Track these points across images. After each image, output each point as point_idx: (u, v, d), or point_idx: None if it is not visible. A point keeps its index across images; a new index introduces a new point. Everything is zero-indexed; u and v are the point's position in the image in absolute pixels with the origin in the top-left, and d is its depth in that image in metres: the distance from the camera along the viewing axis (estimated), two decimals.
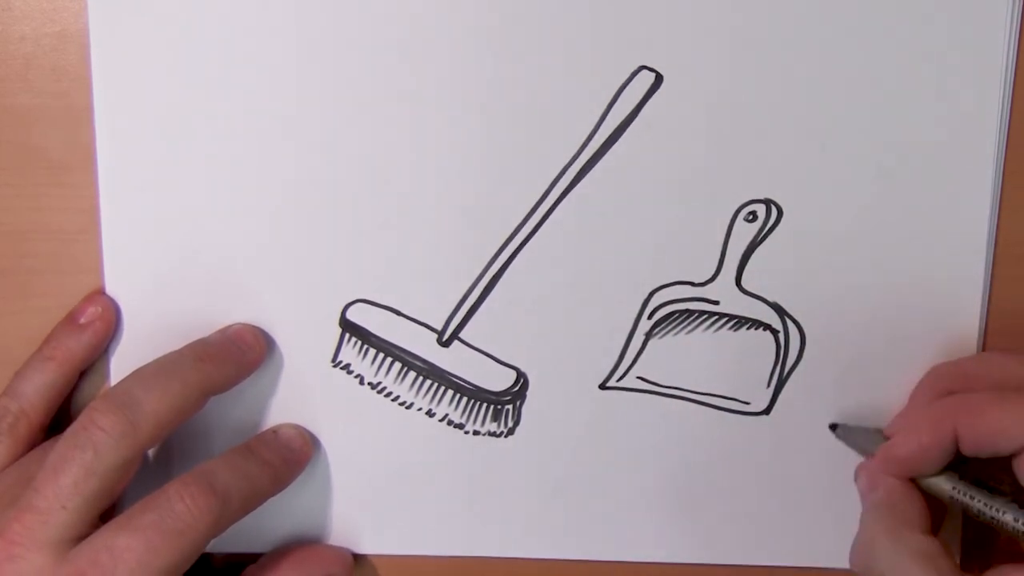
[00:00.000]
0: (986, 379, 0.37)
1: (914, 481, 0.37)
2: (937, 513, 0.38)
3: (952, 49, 0.38)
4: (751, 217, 0.40)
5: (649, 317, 0.41)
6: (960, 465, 0.37)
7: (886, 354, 0.40)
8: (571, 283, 0.40)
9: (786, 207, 0.40)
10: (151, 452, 0.41)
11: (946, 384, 0.38)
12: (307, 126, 0.40)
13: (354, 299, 0.41)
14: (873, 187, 0.39)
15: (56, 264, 0.41)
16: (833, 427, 0.41)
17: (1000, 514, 0.36)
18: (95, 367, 0.41)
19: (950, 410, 0.36)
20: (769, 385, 0.41)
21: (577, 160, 0.40)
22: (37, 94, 0.40)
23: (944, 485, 0.37)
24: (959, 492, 0.36)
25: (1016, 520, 0.35)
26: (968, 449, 0.36)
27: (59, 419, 0.41)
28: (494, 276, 0.40)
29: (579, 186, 0.40)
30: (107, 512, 0.37)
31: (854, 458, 0.41)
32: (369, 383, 0.42)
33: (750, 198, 0.40)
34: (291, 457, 0.40)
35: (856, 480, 0.39)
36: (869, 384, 0.41)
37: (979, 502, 0.36)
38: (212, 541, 0.36)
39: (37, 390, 0.40)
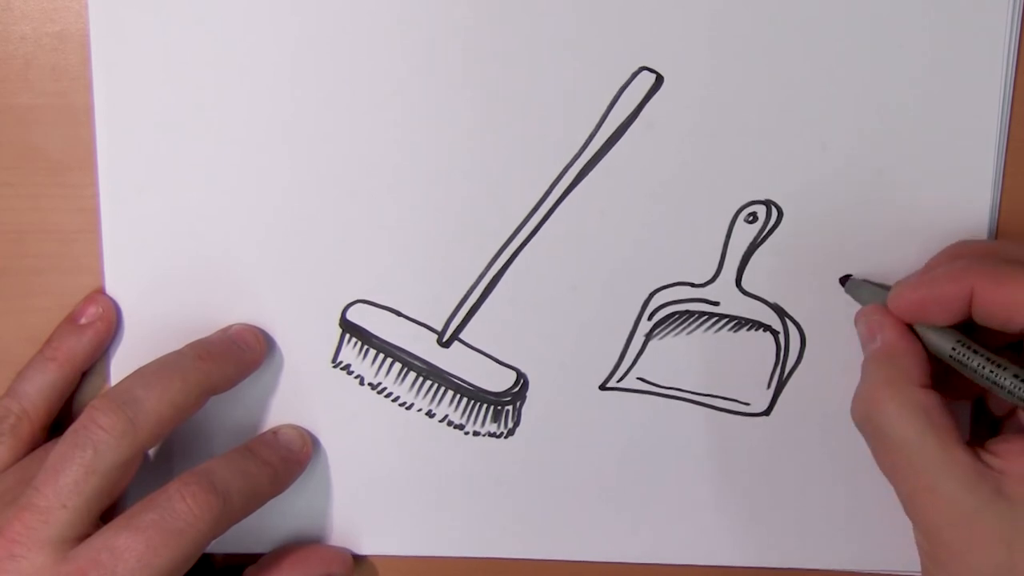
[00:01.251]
0: (1011, 261, 0.35)
1: (914, 333, 0.36)
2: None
3: (952, 49, 0.38)
4: (751, 218, 0.40)
5: (649, 318, 0.41)
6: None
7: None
8: (571, 284, 0.41)
9: (786, 208, 0.40)
10: (151, 452, 0.41)
11: (971, 251, 0.37)
12: (307, 126, 0.40)
13: (354, 299, 0.41)
14: (873, 187, 0.39)
15: (56, 264, 0.41)
16: (844, 280, 0.39)
17: (1000, 373, 0.34)
18: (96, 367, 0.41)
19: (972, 270, 0.35)
20: (769, 386, 0.41)
21: (577, 161, 0.40)
22: (37, 94, 0.40)
23: (947, 338, 0.36)
24: (961, 346, 0.35)
25: (1016, 381, 0.34)
26: (980, 315, 0.35)
27: (61, 419, 0.41)
28: (494, 277, 0.40)
29: (579, 187, 0.40)
30: (108, 512, 0.37)
31: (854, 458, 0.41)
32: (369, 384, 0.42)
33: (750, 199, 0.40)
34: (291, 458, 0.40)
35: (856, 324, 0.38)
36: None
37: (981, 357, 0.35)
38: (213, 542, 0.36)
39: (39, 391, 0.40)
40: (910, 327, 0.36)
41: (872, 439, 0.35)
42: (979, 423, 0.41)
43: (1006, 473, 0.33)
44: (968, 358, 0.35)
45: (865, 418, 0.35)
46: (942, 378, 0.36)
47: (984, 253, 0.36)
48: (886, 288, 0.38)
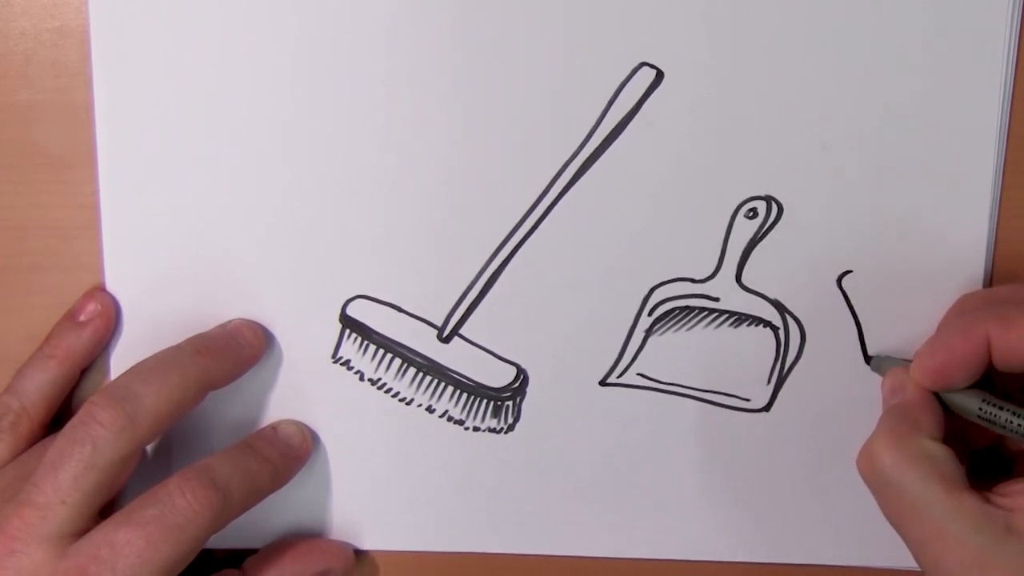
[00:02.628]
0: (1017, 302, 0.36)
1: (940, 399, 0.37)
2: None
3: (952, 49, 0.38)
4: (751, 214, 0.40)
5: (649, 314, 0.41)
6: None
7: (886, 352, 0.40)
8: (571, 279, 0.41)
9: (786, 204, 0.40)
10: (150, 448, 0.41)
11: (976, 303, 0.37)
12: (307, 122, 0.40)
13: (354, 295, 0.41)
14: (873, 185, 0.39)
15: (56, 261, 0.41)
16: (868, 359, 0.40)
17: None
18: (95, 364, 0.41)
19: (982, 319, 0.35)
20: (769, 382, 0.41)
21: (577, 156, 0.40)
22: (37, 90, 0.40)
23: (973, 398, 0.36)
24: (988, 403, 0.36)
25: None
26: (1000, 360, 0.35)
27: (60, 416, 0.40)
28: (494, 272, 0.40)
29: (579, 182, 0.40)
30: (107, 508, 0.37)
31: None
32: (369, 379, 0.42)
33: (750, 195, 0.40)
34: (291, 453, 0.40)
35: (882, 387, 0.38)
36: (869, 381, 0.41)
37: (1008, 412, 0.35)
38: (212, 537, 0.36)
39: (38, 388, 0.40)
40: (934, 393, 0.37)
41: (878, 490, 0.35)
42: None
43: (1016, 510, 0.33)
44: (995, 415, 0.36)
45: (870, 469, 0.35)
46: (963, 424, 0.37)
47: (989, 301, 0.37)
48: (908, 361, 0.38)
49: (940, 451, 0.34)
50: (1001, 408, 0.36)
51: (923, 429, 0.35)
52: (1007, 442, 0.39)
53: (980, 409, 0.36)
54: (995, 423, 0.36)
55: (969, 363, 0.35)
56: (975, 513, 0.33)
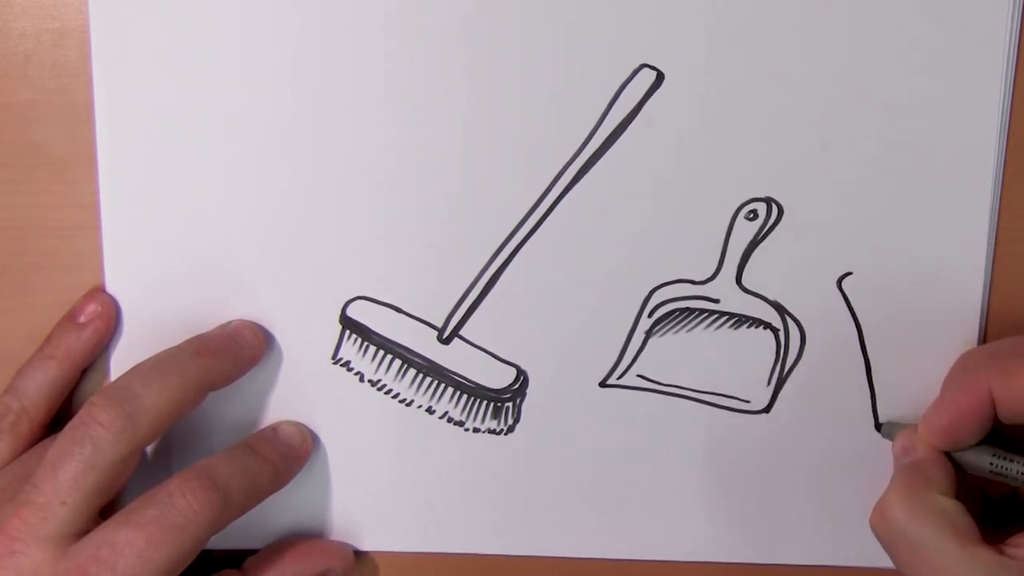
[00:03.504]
0: (1017, 354, 0.36)
1: (951, 458, 0.37)
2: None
3: (952, 49, 0.38)
4: (752, 215, 0.40)
5: (649, 315, 0.41)
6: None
7: (886, 353, 0.40)
8: (571, 281, 0.41)
9: (787, 205, 0.40)
10: (150, 449, 0.41)
11: (976, 359, 0.38)
12: (308, 123, 0.40)
13: (354, 296, 0.41)
14: (873, 186, 0.39)
15: (56, 261, 0.41)
16: (879, 426, 0.41)
17: None
18: (95, 364, 0.41)
19: (983, 374, 0.36)
20: (769, 383, 0.41)
21: (578, 158, 0.40)
22: (37, 90, 0.40)
23: (983, 454, 0.37)
24: (999, 458, 0.36)
25: None
26: (1005, 413, 0.35)
27: (60, 416, 0.40)
28: (495, 274, 0.40)
29: (580, 184, 0.40)
30: (107, 508, 0.37)
31: (853, 455, 0.41)
32: (369, 380, 0.42)
33: (751, 196, 0.40)
34: (291, 454, 0.40)
35: (893, 447, 0.39)
36: (869, 382, 0.41)
37: (1019, 464, 0.36)
38: (212, 537, 0.36)
39: (39, 388, 0.40)
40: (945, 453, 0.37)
41: (891, 546, 0.36)
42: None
43: None
44: (1007, 469, 0.36)
45: (883, 525, 0.36)
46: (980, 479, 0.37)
47: (989, 355, 0.37)
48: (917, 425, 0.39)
49: (952, 506, 0.35)
50: (1012, 461, 0.36)
51: (935, 485, 0.36)
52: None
53: (991, 464, 0.37)
54: (1007, 476, 0.36)
55: (975, 419, 0.36)
56: (989, 564, 0.33)
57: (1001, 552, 0.34)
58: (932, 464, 0.37)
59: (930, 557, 0.34)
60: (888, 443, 0.40)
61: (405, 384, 0.42)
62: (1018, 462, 0.36)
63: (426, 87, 0.39)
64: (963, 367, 0.38)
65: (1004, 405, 0.35)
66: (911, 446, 0.38)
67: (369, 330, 0.41)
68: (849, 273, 0.40)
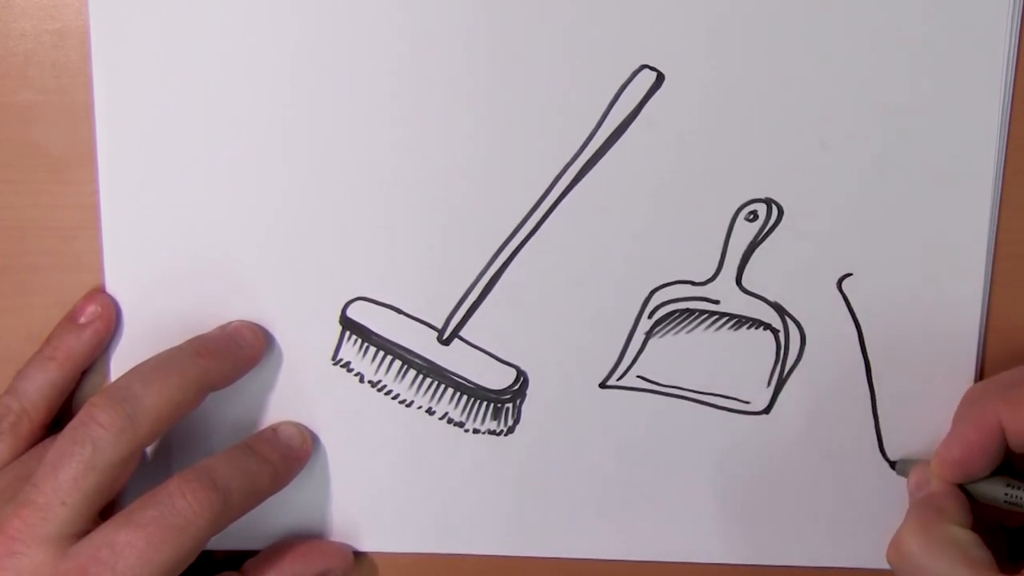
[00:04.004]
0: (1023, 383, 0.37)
1: (965, 491, 0.37)
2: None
3: (952, 49, 0.38)
4: (752, 216, 0.40)
5: (649, 316, 0.41)
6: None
7: (886, 353, 0.40)
8: (571, 282, 0.41)
9: (787, 206, 0.40)
10: (150, 449, 0.41)
11: (983, 392, 0.38)
12: (308, 124, 0.40)
13: (354, 297, 0.41)
14: (873, 186, 0.39)
15: (56, 261, 0.41)
16: (892, 464, 0.41)
17: None
18: (95, 365, 0.41)
19: (992, 406, 0.36)
20: (769, 384, 0.41)
21: (578, 159, 0.40)
22: (37, 91, 0.40)
23: (997, 485, 0.37)
24: (1013, 488, 0.37)
25: None
26: (1016, 441, 0.36)
27: (61, 417, 0.40)
28: (495, 274, 0.40)
29: (580, 185, 0.40)
30: (107, 509, 0.37)
31: (853, 456, 0.41)
32: (369, 381, 0.42)
33: (751, 197, 0.40)
34: (291, 455, 0.40)
35: (907, 483, 0.40)
36: (869, 383, 0.41)
37: None
38: (213, 538, 0.36)
39: (39, 389, 0.40)
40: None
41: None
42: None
43: None
44: (1022, 499, 0.36)
45: (898, 558, 0.36)
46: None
47: (996, 386, 0.37)
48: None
49: (967, 537, 0.35)
50: None
51: (949, 516, 0.36)
52: None
53: (1006, 495, 0.37)
54: (1022, 506, 0.36)
55: (986, 451, 0.36)
56: None
57: None
58: (945, 497, 0.37)
59: None
60: (888, 444, 0.41)
61: (405, 385, 0.42)
62: None
63: (426, 88, 0.39)
64: (971, 400, 0.39)
65: (1014, 434, 0.36)
66: (924, 481, 0.38)
67: (369, 331, 0.41)
68: (849, 274, 0.40)
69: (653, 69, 0.39)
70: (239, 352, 0.40)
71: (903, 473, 0.40)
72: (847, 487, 0.41)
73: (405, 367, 0.41)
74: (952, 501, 0.37)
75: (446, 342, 0.41)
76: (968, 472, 0.37)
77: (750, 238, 0.40)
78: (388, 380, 0.42)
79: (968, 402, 0.39)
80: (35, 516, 0.35)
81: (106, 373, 0.41)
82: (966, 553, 0.34)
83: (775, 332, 0.41)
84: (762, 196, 0.40)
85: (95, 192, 0.40)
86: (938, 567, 0.34)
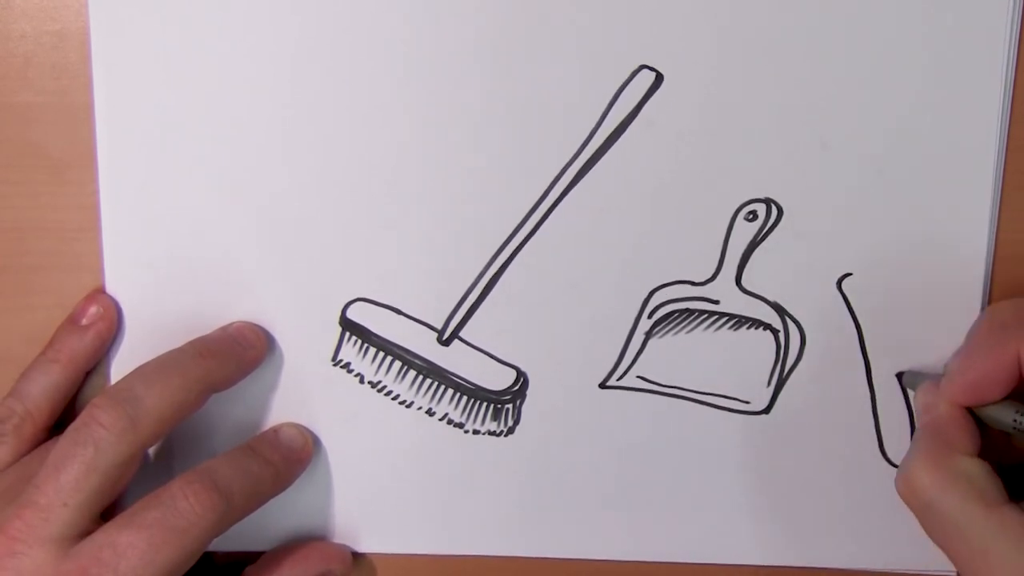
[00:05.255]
0: None
1: (973, 413, 0.37)
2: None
3: (952, 49, 0.38)
4: (751, 216, 0.40)
5: (649, 316, 0.41)
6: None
7: (886, 353, 0.40)
8: (571, 282, 0.41)
9: (786, 206, 0.40)
10: (152, 451, 0.41)
11: (1005, 318, 0.37)
12: (308, 125, 0.40)
13: (354, 298, 0.41)
14: (873, 187, 0.39)
15: (56, 262, 0.41)
16: (899, 375, 0.40)
17: None
18: (97, 367, 0.41)
19: (1012, 335, 0.35)
20: (769, 384, 0.41)
21: (577, 159, 0.40)
22: (37, 92, 0.40)
23: (1007, 409, 0.36)
24: (1022, 415, 0.36)
25: None
26: None
27: (63, 419, 0.41)
28: (494, 275, 0.41)
29: (579, 185, 0.40)
30: (108, 510, 0.37)
31: (854, 457, 0.41)
32: (369, 382, 0.42)
33: (750, 197, 0.40)
34: (293, 456, 0.40)
35: (914, 402, 0.39)
36: (868, 385, 0.41)
37: None
38: (214, 540, 0.36)
39: (42, 391, 0.40)
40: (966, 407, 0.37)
41: (919, 512, 0.36)
42: None
43: None
44: None
45: (910, 492, 0.36)
46: (998, 440, 0.37)
47: (1020, 314, 0.36)
48: (940, 375, 0.38)
49: (977, 468, 0.35)
50: None
51: (958, 447, 0.35)
52: None
53: (1015, 421, 0.36)
54: None
55: (1000, 380, 0.35)
56: (1017, 530, 0.33)
57: None
58: (954, 424, 0.36)
59: (958, 524, 0.34)
60: (888, 444, 0.41)
61: (405, 386, 0.42)
62: None
63: (426, 89, 0.39)
64: (991, 324, 0.37)
65: None
66: (932, 403, 0.37)
67: (369, 332, 0.41)
68: (849, 274, 0.40)
69: (652, 69, 0.39)
70: (241, 353, 0.40)
71: (911, 386, 0.40)
72: (847, 487, 0.41)
73: (405, 368, 0.41)
74: (961, 429, 0.36)
75: (446, 343, 0.41)
76: (977, 397, 0.36)
77: (750, 238, 0.40)
78: (388, 381, 0.42)
79: (988, 326, 0.37)
80: (37, 517, 0.35)
81: (106, 374, 0.41)
82: (978, 487, 0.34)
83: (775, 332, 0.41)
84: (762, 196, 0.40)
85: (95, 193, 0.40)
86: (950, 503, 0.34)
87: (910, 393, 0.40)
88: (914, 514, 0.36)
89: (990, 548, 0.33)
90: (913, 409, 0.39)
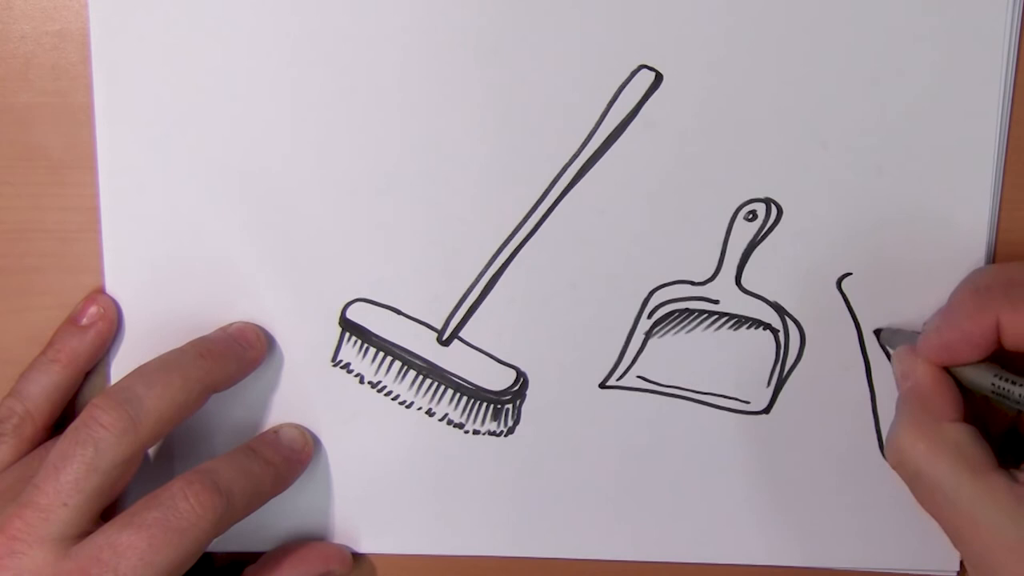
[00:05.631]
0: None
1: (950, 374, 0.36)
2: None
3: (952, 48, 0.38)
4: (751, 216, 0.40)
5: (649, 316, 0.41)
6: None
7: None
8: (571, 282, 0.41)
9: (786, 206, 0.40)
10: (152, 451, 0.41)
11: (988, 282, 0.37)
12: (307, 126, 0.40)
13: (354, 298, 0.41)
14: (873, 186, 0.39)
15: (56, 263, 0.41)
16: (877, 332, 0.40)
17: None
18: (97, 367, 0.41)
19: (995, 300, 0.35)
20: (769, 384, 0.41)
21: (577, 159, 0.40)
22: (37, 93, 0.40)
23: (986, 372, 0.36)
24: (1001, 379, 0.35)
25: None
26: (1010, 341, 0.35)
27: (64, 419, 0.40)
28: (494, 275, 0.41)
29: (579, 185, 0.40)
30: (108, 510, 0.37)
31: (854, 456, 0.41)
32: (369, 382, 0.42)
33: (750, 197, 0.40)
34: (293, 457, 0.40)
35: (893, 368, 0.39)
36: (868, 384, 0.41)
37: (1022, 387, 0.35)
38: (214, 541, 0.36)
39: (42, 391, 0.40)
40: (946, 369, 0.37)
41: (909, 480, 0.36)
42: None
43: None
44: (1009, 391, 0.35)
45: (899, 461, 0.36)
46: (980, 409, 0.36)
47: (1002, 281, 0.36)
48: (917, 333, 0.38)
49: (964, 434, 0.35)
50: (1015, 384, 0.35)
51: (943, 413, 0.35)
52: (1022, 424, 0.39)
53: (993, 384, 0.35)
54: (1009, 398, 0.35)
55: (977, 344, 0.35)
56: (1006, 498, 0.33)
57: (1015, 480, 0.33)
58: (935, 389, 0.36)
59: (948, 493, 0.34)
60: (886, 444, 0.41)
61: (405, 386, 0.42)
62: (1021, 384, 0.35)
63: (425, 89, 0.39)
64: (975, 287, 0.37)
65: (1011, 336, 0.34)
66: (910, 370, 0.37)
67: (369, 332, 0.41)
68: (849, 274, 0.40)
69: (652, 69, 0.39)
70: (241, 353, 0.40)
71: (888, 343, 0.39)
72: (847, 487, 0.41)
73: (405, 368, 0.41)
74: (942, 394, 0.36)
75: (446, 343, 0.41)
76: (952, 358, 0.36)
77: (749, 238, 0.40)
78: (388, 381, 0.42)
79: (970, 289, 0.37)
80: (37, 517, 0.35)
81: (106, 374, 0.41)
82: (965, 455, 0.34)
83: (775, 332, 0.41)
84: (761, 196, 0.40)
85: (95, 194, 0.40)
86: (939, 471, 0.34)
87: (856, 294, 0.40)
88: (904, 481, 0.36)
89: (979, 517, 0.33)
90: (892, 369, 0.39)
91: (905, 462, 0.35)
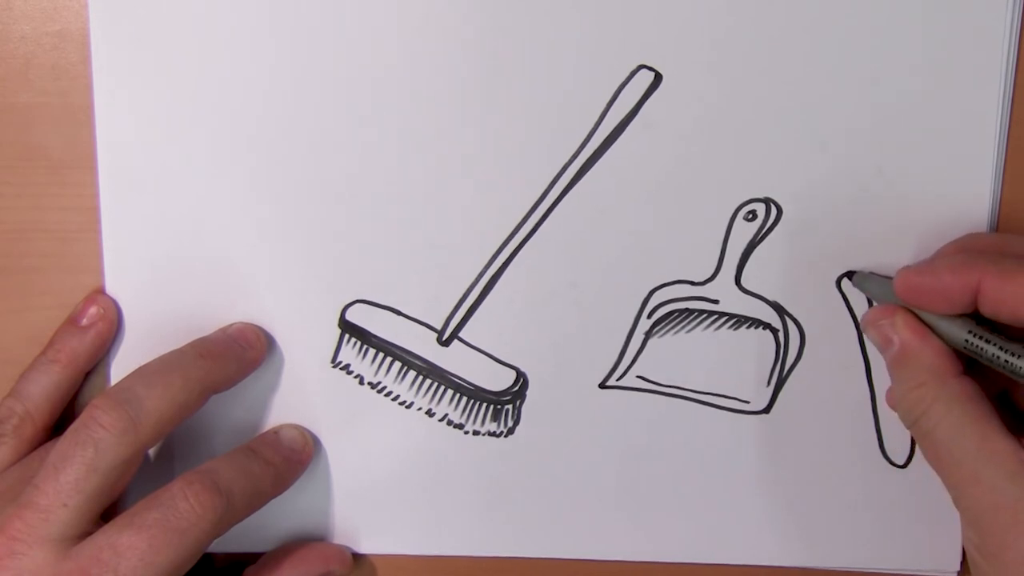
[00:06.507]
0: (1017, 252, 0.35)
1: (927, 327, 0.36)
2: None
3: (952, 49, 0.38)
4: (751, 216, 0.40)
5: (649, 316, 0.41)
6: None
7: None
8: (571, 282, 0.41)
9: (785, 206, 0.40)
10: (152, 451, 0.42)
11: (982, 246, 0.37)
12: (307, 126, 0.40)
13: (353, 299, 0.41)
14: (873, 186, 0.39)
15: (56, 263, 0.41)
16: (850, 275, 0.40)
17: (1016, 362, 0.34)
18: (96, 368, 0.41)
19: (977, 264, 0.34)
20: (769, 384, 0.41)
21: (576, 159, 0.40)
22: (37, 93, 0.40)
23: (960, 328, 0.35)
24: (973, 336, 0.35)
25: None
26: (988, 309, 0.34)
27: (64, 420, 0.41)
28: (494, 275, 0.41)
29: (578, 185, 0.40)
30: (108, 511, 0.37)
31: (853, 456, 0.41)
32: (369, 383, 0.42)
33: (750, 197, 0.40)
34: (293, 457, 0.40)
35: (866, 331, 0.38)
36: (868, 384, 0.41)
37: (996, 346, 0.34)
38: (214, 541, 0.36)
39: (42, 392, 0.40)
40: (923, 323, 0.36)
41: (918, 438, 0.36)
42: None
43: None
44: (982, 348, 0.35)
45: (911, 421, 0.36)
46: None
47: (992, 247, 0.36)
48: (890, 278, 0.37)
49: (969, 389, 0.35)
50: (988, 343, 0.35)
51: (945, 370, 0.35)
52: (1015, 392, 0.38)
53: (967, 341, 0.35)
54: (981, 356, 0.35)
55: (952, 298, 0.35)
56: (1009, 460, 0.33)
57: (1020, 445, 0.33)
58: (926, 349, 0.36)
59: (952, 450, 0.34)
60: (888, 444, 0.41)
61: (405, 386, 0.42)
62: (994, 344, 0.35)
63: (424, 89, 0.39)
64: (962, 246, 0.37)
65: (989, 302, 0.34)
66: (889, 330, 0.37)
67: (368, 333, 0.41)
68: (852, 272, 0.40)
69: (651, 69, 0.39)
70: (241, 354, 0.40)
71: (860, 287, 0.39)
72: (847, 487, 0.41)
73: (405, 369, 0.42)
74: (936, 352, 0.35)
75: (445, 343, 0.41)
76: (922, 302, 0.36)
77: (749, 238, 0.40)
78: (388, 382, 0.42)
79: (958, 246, 0.37)
80: (37, 517, 0.35)
81: (106, 374, 0.41)
82: (968, 410, 0.34)
83: (774, 332, 0.41)
84: (761, 196, 0.40)
85: (95, 194, 0.40)
86: (945, 428, 0.34)
87: (856, 294, 0.40)
88: (913, 437, 0.36)
89: (982, 476, 0.33)
90: (866, 332, 0.38)
91: (917, 422, 0.35)
